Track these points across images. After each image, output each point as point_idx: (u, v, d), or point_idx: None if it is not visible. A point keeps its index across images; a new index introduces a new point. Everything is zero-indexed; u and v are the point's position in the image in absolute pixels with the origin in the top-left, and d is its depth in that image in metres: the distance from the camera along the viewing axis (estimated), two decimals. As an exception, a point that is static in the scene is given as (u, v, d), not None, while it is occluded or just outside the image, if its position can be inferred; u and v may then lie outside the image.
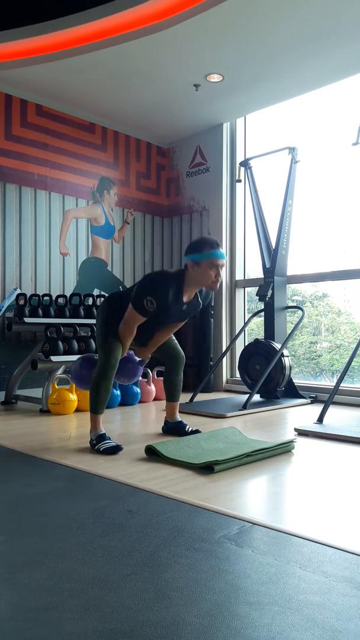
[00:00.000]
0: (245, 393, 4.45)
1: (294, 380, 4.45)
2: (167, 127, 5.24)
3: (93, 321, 4.17)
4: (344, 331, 4.94)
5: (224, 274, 5.10)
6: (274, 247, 4.47)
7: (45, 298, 4.33)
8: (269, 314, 4.46)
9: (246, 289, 5.25)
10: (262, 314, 4.55)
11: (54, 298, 4.32)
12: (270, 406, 3.94)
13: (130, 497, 1.89)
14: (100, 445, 2.56)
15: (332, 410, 3.64)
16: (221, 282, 2.84)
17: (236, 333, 4.98)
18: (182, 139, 5.50)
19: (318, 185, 4.79)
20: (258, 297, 4.43)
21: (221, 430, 2.77)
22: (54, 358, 3.82)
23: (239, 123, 5.20)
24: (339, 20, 3.41)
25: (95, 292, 4.93)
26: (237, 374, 4.79)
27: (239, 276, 5.21)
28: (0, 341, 4.32)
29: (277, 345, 4.24)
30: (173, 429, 3.00)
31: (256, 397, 4.16)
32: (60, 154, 4.75)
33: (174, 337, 3.01)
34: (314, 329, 5.14)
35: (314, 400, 4.28)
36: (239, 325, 5.14)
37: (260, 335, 4.85)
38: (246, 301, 5.25)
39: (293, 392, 4.37)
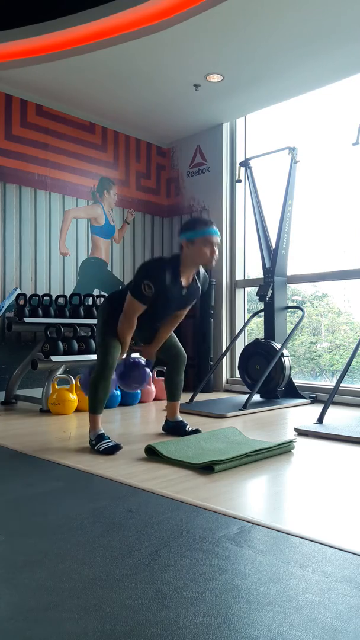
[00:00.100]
0: (245, 393, 4.45)
1: (294, 380, 4.45)
2: (167, 127, 5.24)
3: (93, 321, 4.17)
4: (344, 331, 4.94)
5: (224, 273, 5.15)
6: (274, 247, 4.47)
7: (45, 298, 4.33)
8: (269, 314, 4.46)
9: (246, 289, 5.25)
10: (262, 314, 4.55)
11: (54, 298, 4.32)
12: (270, 406, 3.94)
13: (130, 497, 1.89)
14: (99, 445, 2.56)
15: (332, 410, 3.64)
16: (217, 259, 2.85)
17: (236, 333, 4.98)
18: (182, 139, 5.50)
19: (318, 185, 4.79)
20: (258, 297, 4.43)
21: (221, 430, 2.77)
22: (54, 358, 3.82)
23: (239, 123, 5.20)
24: (339, 20, 3.41)
25: (95, 292, 4.93)
26: (237, 374, 4.79)
27: (239, 276, 5.21)
28: (0, 341, 4.32)
29: (277, 345, 4.24)
30: (173, 428, 3.00)
31: (256, 397, 4.16)
32: (60, 154, 4.75)
33: (175, 336, 3.01)
34: (314, 329, 5.14)
35: (314, 400, 4.28)
36: (239, 325, 5.14)
37: (260, 335, 4.85)
38: (246, 301, 5.25)
39: (293, 392, 4.37)
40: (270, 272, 4.44)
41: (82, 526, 1.62)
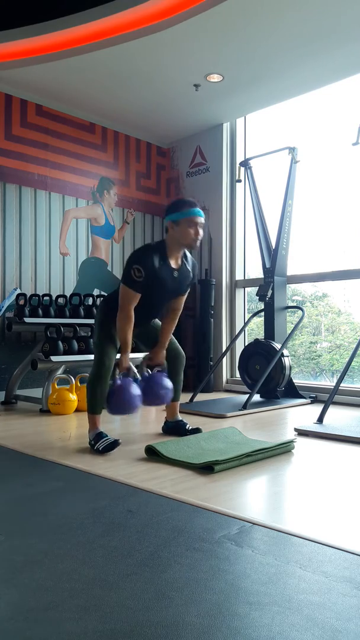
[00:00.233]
0: (245, 393, 4.45)
1: (294, 380, 4.45)
2: (167, 127, 5.24)
3: (93, 321, 4.17)
4: (344, 331, 4.94)
5: (224, 273, 5.15)
6: (274, 247, 4.47)
7: (45, 298, 4.33)
8: (269, 314, 4.46)
9: (246, 289, 5.24)
10: (262, 314, 4.55)
11: (54, 298, 4.32)
12: (270, 406, 3.94)
13: (130, 497, 1.89)
14: (98, 444, 2.56)
15: (332, 410, 3.64)
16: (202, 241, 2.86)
17: (236, 333, 4.98)
18: (182, 139, 5.50)
19: (318, 185, 4.79)
20: (258, 297, 4.43)
21: (221, 430, 2.77)
22: (54, 358, 3.82)
23: (239, 123, 5.20)
24: (339, 20, 3.41)
25: (95, 292, 4.93)
26: (237, 374, 4.79)
27: (239, 276, 5.21)
28: (0, 341, 4.32)
29: (277, 345, 4.24)
30: (173, 428, 3.00)
31: (256, 397, 4.16)
32: (60, 154, 4.75)
33: (173, 337, 3.02)
34: (314, 329, 5.14)
35: (314, 400, 4.28)
36: (239, 325, 5.14)
37: (260, 335, 4.85)
38: (246, 301, 5.25)
39: (293, 392, 4.37)
40: (270, 272, 4.44)
41: (82, 526, 1.62)
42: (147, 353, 2.94)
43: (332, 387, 3.53)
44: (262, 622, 1.08)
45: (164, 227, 2.70)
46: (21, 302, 4.11)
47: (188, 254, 2.84)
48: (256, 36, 3.60)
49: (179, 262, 2.74)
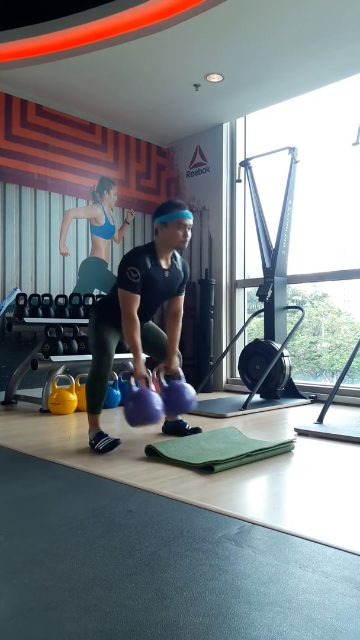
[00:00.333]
0: (245, 393, 4.45)
1: (294, 380, 4.45)
2: (167, 127, 5.24)
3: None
4: (344, 331, 4.94)
5: (224, 273, 5.15)
6: (274, 247, 4.47)
7: (45, 298, 4.33)
8: (269, 314, 4.46)
9: (246, 289, 5.24)
10: (262, 314, 4.55)
11: (54, 298, 4.32)
12: (270, 406, 3.94)
13: (130, 497, 1.89)
14: (98, 444, 2.56)
15: (332, 410, 3.64)
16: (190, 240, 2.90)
17: (236, 333, 4.98)
18: (182, 139, 5.50)
19: (318, 185, 4.79)
20: (258, 297, 4.43)
21: (221, 430, 2.77)
22: (54, 358, 3.82)
23: (239, 123, 5.20)
24: (339, 20, 3.41)
25: (95, 292, 4.93)
26: (237, 374, 4.79)
27: (239, 276, 5.21)
28: (0, 341, 4.32)
29: (277, 345, 4.24)
30: (173, 428, 3.00)
31: (256, 397, 4.16)
32: (60, 154, 4.75)
33: (163, 332, 3.03)
34: (314, 329, 5.14)
35: (314, 400, 4.28)
36: (239, 325, 5.14)
37: (260, 335, 4.85)
38: (246, 301, 5.25)
39: (293, 392, 4.37)
40: (270, 272, 4.44)
41: (82, 526, 1.62)
42: (148, 357, 2.96)
43: (332, 387, 3.53)
44: (262, 622, 1.08)
45: (154, 229, 2.73)
46: (21, 302, 4.11)
47: (177, 254, 2.88)
48: (256, 36, 3.60)
49: (169, 262, 2.79)
